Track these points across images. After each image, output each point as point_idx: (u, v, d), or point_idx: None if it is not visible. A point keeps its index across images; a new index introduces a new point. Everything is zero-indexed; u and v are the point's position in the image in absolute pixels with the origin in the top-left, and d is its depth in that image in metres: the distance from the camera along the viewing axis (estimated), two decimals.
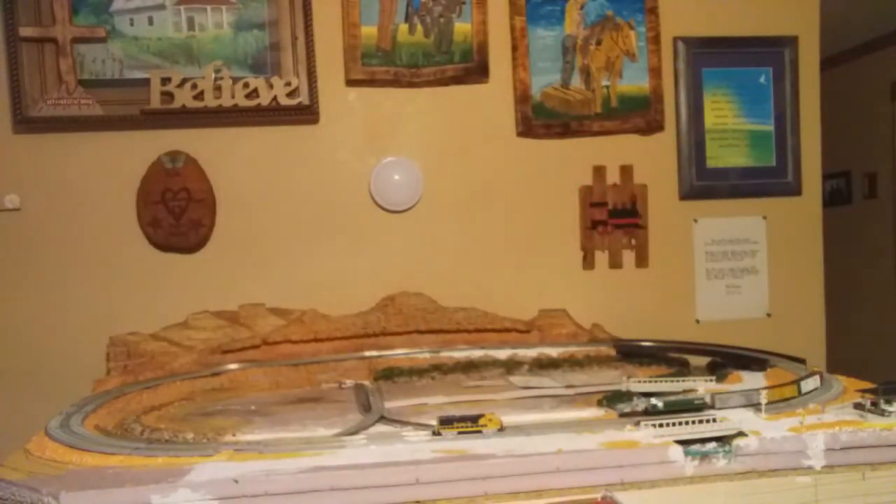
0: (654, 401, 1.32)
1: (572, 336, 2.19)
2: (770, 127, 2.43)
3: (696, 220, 2.39)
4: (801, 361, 1.80)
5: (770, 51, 2.41)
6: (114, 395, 1.66)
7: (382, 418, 1.41)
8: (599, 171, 2.32)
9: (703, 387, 1.53)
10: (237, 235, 2.17)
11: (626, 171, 2.33)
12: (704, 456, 1.16)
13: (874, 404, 1.22)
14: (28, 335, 2.07)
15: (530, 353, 2.02)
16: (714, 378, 1.61)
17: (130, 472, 1.11)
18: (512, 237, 2.29)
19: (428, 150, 2.26)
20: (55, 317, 2.08)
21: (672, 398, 1.33)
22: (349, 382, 1.83)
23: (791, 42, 2.42)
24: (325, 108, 2.17)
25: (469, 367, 1.93)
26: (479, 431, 1.25)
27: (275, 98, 2.09)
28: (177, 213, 2.11)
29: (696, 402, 1.31)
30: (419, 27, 2.20)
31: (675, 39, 2.36)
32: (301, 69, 2.12)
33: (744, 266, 2.42)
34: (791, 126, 2.43)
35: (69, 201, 2.09)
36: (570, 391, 1.64)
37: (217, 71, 2.08)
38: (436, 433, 1.25)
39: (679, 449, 1.16)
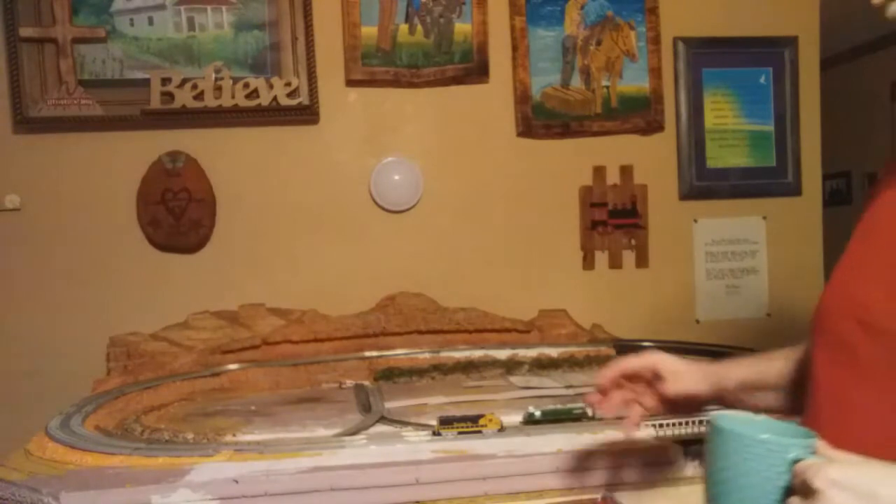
0: (531, 409, 1.32)
1: (572, 336, 2.19)
2: (770, 127, 2.43)
3: (696, 221, 2.39)
4: None
5: (770, 51, 2.41)
6: (114, 395, 1.66)
7: (382, 418, 1.41)
8: (599, 172, 2.32)
9: None
10: (237, 235, 2.17)
11: (626, 171, 2.33)
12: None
13: None
14: (28, 335, 2.07)
15: (530, 353, 2.02)
16: None
17: (130, 472, 1.11)
18: (512, 237, 2.29)
19: (428, 150, 2.26)
20: (55, 317, 2.08)
21: (551, 407, 1.33)
22: (349, 383, 1.83)
23: (791, 42, 2.42)
24: (325, 108, 2.17)
25: (469, 367, 1.93)
26: (479, 431, 1.25)
27: (275, 98, 2.09)
28: (177, 213, 2.11)
29: (576, 411, 1.30)
30: (419, 27, 2.20)
31: (676, 39, 2.36)
32: (301, 69, 2.12)
33: (744, 266, 2.42)
34: (791, 126, 2.43)
35: (69, 201, 2.09)
36: (570, 391, 1.64)
37: (217, 71, 2.08)
38: (436, 433, 1.25)
39: (679, 449, 1.16)
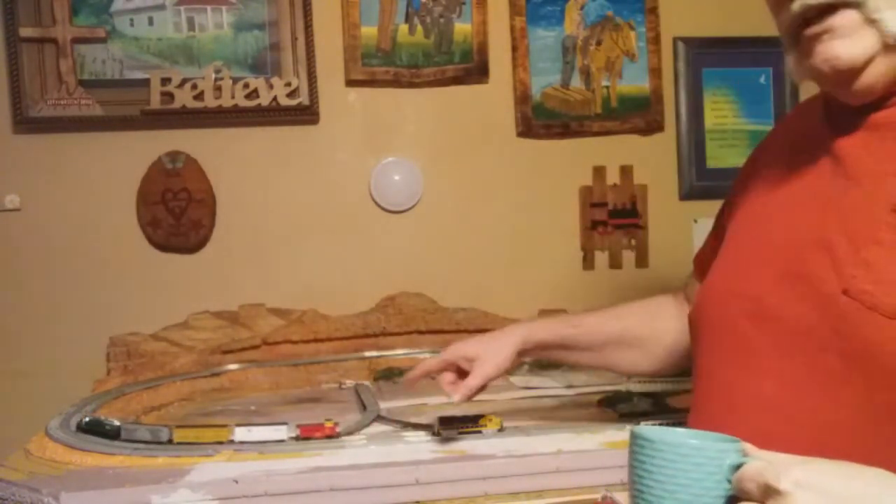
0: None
1: None
2: (770, 127, 2.42)
3: (696, 221, 2.38)
4: None
5: (770, 51, 2.41)
6: (114, 395, 1.66)
7: (379, 418, 1.41)
8: (599, 172, 2.32)
9: None
10: (237, 235, 2.17)
11: (626, 171, 2.33)
12: None
13: None
14: (28, 335, 2.07)
15: None
16: None
17: (130, 472, 1.11)
18: (512, 237, 2.29)
19: (428, 150, 2.26)
20: (55, 317, 2.08)
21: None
22: (349, 383, 1.83)
23: None
24: (325, 108, 2.17)
25: None
26: (479, 431, 1.25)
27: (275, 98, 2.09)
28: (177, 214, 2.11)
29: (109, 427, 1.26)
30: (419, 27, 2.20)
31: (676, 40, 2.35)
32: (301, 69, 2.12)
33: None
34: None
35: (69, 201, 2.09)
36: (571, 391, 1.64)
37: (217, 71, 2.08)
38: (436, 433, 1.25)
39: None
